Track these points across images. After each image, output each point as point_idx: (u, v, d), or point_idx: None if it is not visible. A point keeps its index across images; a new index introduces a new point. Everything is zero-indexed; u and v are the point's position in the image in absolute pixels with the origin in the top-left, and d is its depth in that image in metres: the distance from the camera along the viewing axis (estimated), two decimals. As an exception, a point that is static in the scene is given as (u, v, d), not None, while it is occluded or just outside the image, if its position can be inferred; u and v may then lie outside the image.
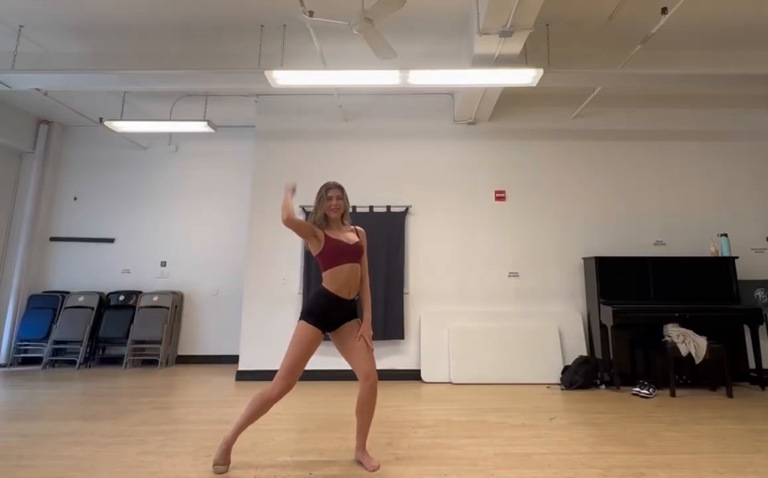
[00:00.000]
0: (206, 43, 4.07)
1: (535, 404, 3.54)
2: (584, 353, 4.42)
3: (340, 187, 2.40)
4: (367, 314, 2.35)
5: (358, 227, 2.47)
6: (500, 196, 4.86)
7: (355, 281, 2.32)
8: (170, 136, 5.85)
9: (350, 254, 2.31)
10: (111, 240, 5.69)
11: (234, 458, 2.40)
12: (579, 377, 4.06)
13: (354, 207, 4.73)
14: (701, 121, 5.08)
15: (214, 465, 2.26)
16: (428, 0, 3.52)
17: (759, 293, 4.47)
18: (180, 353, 5.41)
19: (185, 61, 4.16)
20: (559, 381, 4.21)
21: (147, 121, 4.78)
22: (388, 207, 4.76)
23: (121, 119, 4.78)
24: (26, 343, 5.20)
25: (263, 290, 4.64)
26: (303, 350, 2.22)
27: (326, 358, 4.49)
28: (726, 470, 2.27)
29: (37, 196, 5.60)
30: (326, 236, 2.30)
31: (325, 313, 2.28)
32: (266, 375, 4.40)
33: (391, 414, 3.26)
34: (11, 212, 5.67)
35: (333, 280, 2.28)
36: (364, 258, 2.41)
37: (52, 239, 5.70)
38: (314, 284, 4.56)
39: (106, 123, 4.74)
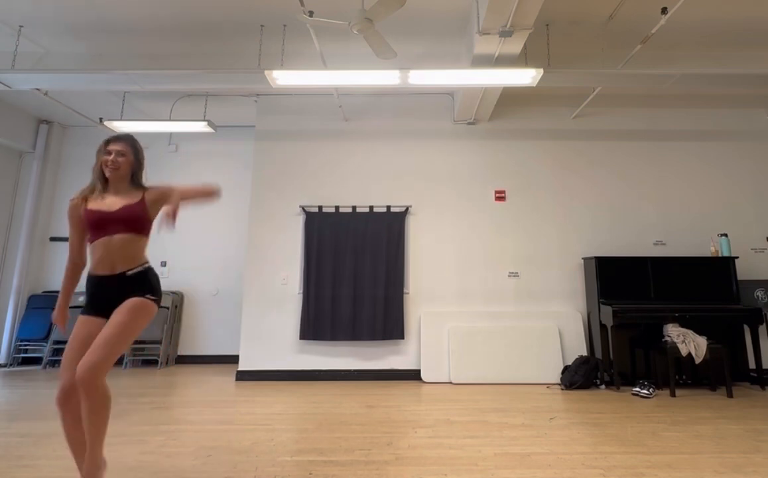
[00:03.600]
0: (206, 43, 4.07)
1: (535, 404, 3.54)
2: (584, 353, 4.43)
3: (124, 140, 2.00)
4: (185, 189, 1.95)
5: (153, 186, 2.01)
6: (500, 196, 4.86)
7: (121, 254, 1.90)
8: (170, 136, 5.85)
9: (109, 224, 1.89)
10: (111, 240, 5.68)
11: (234, 457, 2.41)
12: (579, 377, 4.06)
13: (354, 207, 4.74)
14: (701, 121, 5.08)
15: None
16: (428, 0, 3.52)
17: (759, 293, 4.47)
18: (180, 353, 5.41)
19: (185, 61, 4.17)
20: (559, 381, 4.21)
21: (147, 121, 4.77)
22: (388, 207, 4.76)
23: (121, 119, 4.78)
24: (26, 343, 5.20)
25: (263, 290, 4.64)
26: (72, 346, 1.87)
27: (326, 358, 4.52)
28: (726, 470, 2.27)
29: (37, 196, 5.60)
30: (86, 209, 1.91)
31: (91, 295, 1.92)
32: (266, 375, 4.43)
33: (391, 414, 3.26)
34: (11, 212, 5.67)
35: (91, 257, 1.93)
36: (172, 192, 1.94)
37: (52, 239, 5.70)
38: (315, 283, 4.57)
39: (106, 123, 4.74)
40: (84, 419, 1.79)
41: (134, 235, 1.94)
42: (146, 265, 1.99)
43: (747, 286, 4.47)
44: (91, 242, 1.92)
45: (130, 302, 1.88)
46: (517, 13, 2.99)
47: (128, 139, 2.02)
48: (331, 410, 3.37)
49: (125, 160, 1.97)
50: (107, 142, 1.99)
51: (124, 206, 1.93)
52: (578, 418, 3.18)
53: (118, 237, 1.90)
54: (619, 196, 4.90)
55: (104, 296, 1.90)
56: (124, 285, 1.91)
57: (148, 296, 1.93)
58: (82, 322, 1.91)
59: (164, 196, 1.99)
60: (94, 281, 1.91)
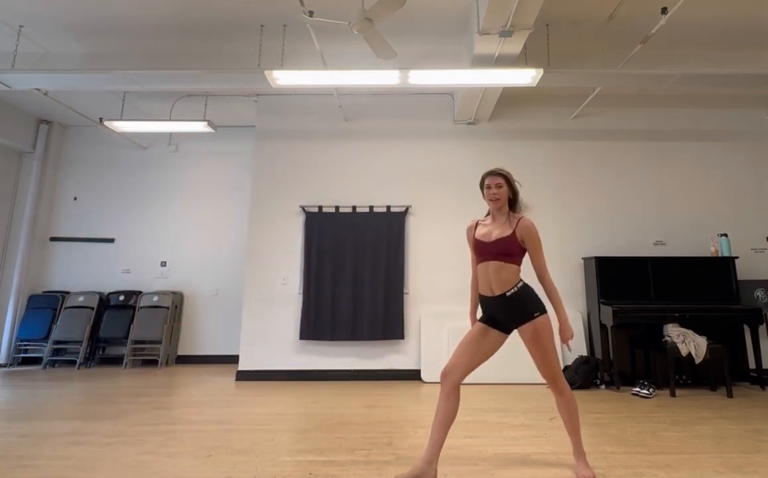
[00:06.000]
0: (206, 43, 4.07)
1: (535, 404, 3.54)
2: (584, 353, 4.42)
3: (499, 174, 2.21)
4: (560, 315, 2.23)
5: (521, 219, 2.18)
6: (500, 196, 4.85)
7: (501, 277, 2.14)
8: (170, 136, 5.85)
9: (487, 253, 2.18)
10: (111, 240, 5.69)
11: (234, 457, 2.41)
12: (579, 377, 4.06)
13: (354, 207, 4.74)
14: (701, 121, 5.08)
15: None
16: (428, 0, 3.52)
17: (759, 293, 4.47)
18: (180, 353, 5.41)
19: (185, 61, 4.17)
20: (559, 381, 4.21)
21: (147, 121, 4.78)
22: (388, 207, 4.76)
23: (121, 119, 4.79)
24: (26, 343, 5.20)
25: (263, 290, 4.64)
26: (464, 340, 2.24)
27: (326, 358, 4.51)
28: (726, 470, 2.27)
29: (37, 196, 5.60)
30: (474, 236, 2.27)
31: (484, 311, 2.26)
32: (266, 375, 4.43)
33: (392, 414, 3.26)
34: (11, 212, 5.67)
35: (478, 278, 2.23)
36: (534, 254, 2.18)
37: (52, 239, 5.70)
38: (314, 284, 4.57)
39: (106, 123, 4.74)
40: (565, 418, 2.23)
41: (505, 264, 2.15)
42: (520, 284, 2.18)
43: (747, 286, 4.47)
44: (477, 264, 2.25)
45: (529, 335, 2.15)
46: (517, 13, 2.99)
47: (503, 173, 2.23)
48: (331, 410, 3.36)
49: (503, 192, 2.20)
50: (484, 176, 2.27)
51: (498, 239, 2.17)
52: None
53: (492, 264, 2.16)
54: (619, 196, 4.90)
55: (491, 312, 2.21)
56: (507, 306, 2.16)
57: (535, 315, 2.15)
58: (478, 326, 2.24)
59: (530, 241, 2.18)
60: (481, 299, 2.25)
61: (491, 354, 2.25)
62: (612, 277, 4.37)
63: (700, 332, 3.99)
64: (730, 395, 3.78)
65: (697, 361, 3.83)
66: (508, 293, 2.14)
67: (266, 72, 3.57)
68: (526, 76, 3.62)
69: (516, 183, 2.26)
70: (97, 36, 3.99)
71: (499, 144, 4.98)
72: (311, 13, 3.05)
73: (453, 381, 2.20)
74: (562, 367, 2.24)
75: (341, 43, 3.96)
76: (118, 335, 5.21)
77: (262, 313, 4.61)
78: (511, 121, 5.02)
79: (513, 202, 2.25)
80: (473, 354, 2.22)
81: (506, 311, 2.16)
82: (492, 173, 2.24)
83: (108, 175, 5.84)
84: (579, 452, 2.23)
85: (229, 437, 2.75)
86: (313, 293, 4.56)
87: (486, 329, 2.21)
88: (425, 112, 5.00)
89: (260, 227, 4.76)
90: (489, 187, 2.23)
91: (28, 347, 5.20)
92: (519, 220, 2.18)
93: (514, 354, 4.35)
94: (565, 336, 2.18)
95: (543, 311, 2.17)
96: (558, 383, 2.18)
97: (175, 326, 5.37)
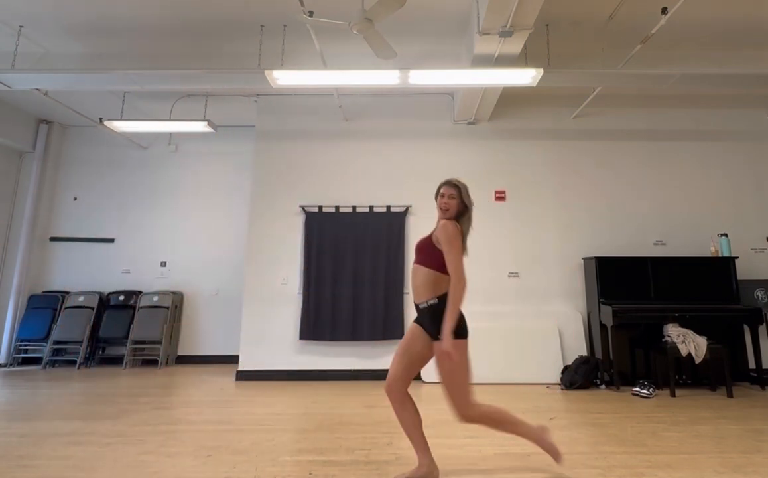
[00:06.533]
0: (206, 43, 4.07)
1: (535, 404, 3.54)
2: (584, 353, 4.42)
3: (455, 185, 2.14)
4: (444, 326, 1.92)
5: (443, 222, 2.07)
6: (500, 196, 4.86)
7: (415, 284, 2.07)
8: (170, 136, 5.85)
9: (415, 255, 2.14)
10: (111, 240, 5.69)
11: (234, 458, 2.41)
12: (579, 377, 4.06)
13: (354, 207, 4.74)
14: (701, 121, 5.08)
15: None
16: (428, 0, 3.52)
17: (759, 293, 4.47)
18: (180, 353, 5.41)
19: (185, 61, 4.17)
20: (559, 381, 4.21)
21: (147, 121, 4.77)
22: (388, 207, 4.76)
23: (121, 119, 4.78)
24: (26, 343, 5.20)
25: (263, 290, 4.64)
26: (402, 344, 2.14)
27: (326, 358, 4.51)
28: (726, 470, 2.27)
29: (37, 196, 5.60)
30: None
31: None
32: (266, 375, 4.43)
33: (392, 414, 3.26)
34: (11, 212, 5.67)
35: None
36: (448, 256, 1.97)
37: (52, 239, 5.70)
38: (314, 284, 4.57)
39: (106, 123, 4.74)
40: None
41: (420, 266, 2.08)
42: (433, 301, 2.01)
43: (747, 286, 4.47)
44: None
45: (437, 355, 1.99)
46: (517, 13, 2.99)
47: (458, 185, 2.16)
48: (331, 410, 3.36)
49: (454, 203, 2.11)
50: (441, 185, 2.18)
51: (419, 241, 2.16)
52: (578, 418, 3.18)
53: (413, 266, 2.13)
54: (619, 196, 4.90)
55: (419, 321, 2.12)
56: (421, 316, 2.08)
57: (439, 337, 1.95)
58: (414, 327, 2.13)
59: (442, 239, 2.02)
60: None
61: (430, 358, 2.10)
62: (612, 277, 4.37)
63: (700, 332, 3.99)
64: (730, 395, 3.78)
65: (697, 361, 3.83)
66: (420, 305, 2.05)
67: (266, 72, 3.57)
68: (526, 76, 3.62)
69: (469, 199, 2.16)
70: (97, 36, 3.99)
71: (499, 144, 4.98)
72: (311, 13, 3.05)
73: (398, 394, 2.07)
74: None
75: (341, 43, 3.96)
76: (118, 335, 5.21)
77: (262, 313, 4.61)
78: (511, 121, 5.02)
79: (462, 215, 2.14)
80: (412, 359, 2.09)
81: (422, 320, 2.08)
82: (448, 183, 2.17)
83: (108, 175, 5.84)
84: (550, 448, 2.19)
85: (229, 437, 2.75)
86: (313, 293, 4.56)
87: (422, 330, 2.09)
88: (425, 112, 5.00)
89: (260, 227, 4.76)
90: (443, 196, 2.14)
91: (28, 347, 5.20)
92: (439, 225, 2.08)
93: (513, 354, 4.37)
94: (440, 351, 1.92)
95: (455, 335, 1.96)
96: (460, 409, 1.99)
97: (175, 326, 5.37)
